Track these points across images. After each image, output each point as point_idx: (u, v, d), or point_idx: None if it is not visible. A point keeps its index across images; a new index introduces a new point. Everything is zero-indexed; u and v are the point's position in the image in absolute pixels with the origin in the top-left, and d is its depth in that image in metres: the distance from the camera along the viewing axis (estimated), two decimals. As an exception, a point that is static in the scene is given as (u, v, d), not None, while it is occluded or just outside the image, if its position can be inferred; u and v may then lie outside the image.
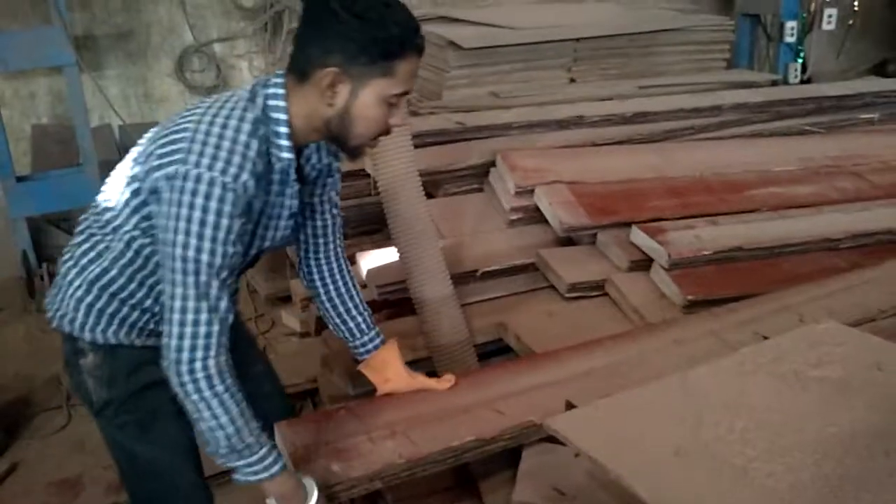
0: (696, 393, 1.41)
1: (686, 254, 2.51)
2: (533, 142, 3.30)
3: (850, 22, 5.75)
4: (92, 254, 1.52)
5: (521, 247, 2.79)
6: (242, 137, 1.35)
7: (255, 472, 1.41)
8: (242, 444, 1.38)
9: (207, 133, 1.34)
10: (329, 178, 1.66)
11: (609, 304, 2.52)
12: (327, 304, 1.78)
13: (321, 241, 1.74)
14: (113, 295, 1.52)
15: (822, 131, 3.66)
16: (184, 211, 1.31)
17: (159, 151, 1.38)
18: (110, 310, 1.53)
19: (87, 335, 1.54)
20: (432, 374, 2.03)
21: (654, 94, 4.04)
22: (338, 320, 1.78)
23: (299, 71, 1.39)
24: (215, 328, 1.35)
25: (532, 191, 2.87)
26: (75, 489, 2.64)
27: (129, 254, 1.49)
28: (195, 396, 1.34)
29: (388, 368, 1.80)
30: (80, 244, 1.55)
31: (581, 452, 1.28)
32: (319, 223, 1.72)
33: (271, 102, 1.40)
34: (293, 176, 1.48)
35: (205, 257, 1.32)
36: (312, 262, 1.76)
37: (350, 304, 1.78)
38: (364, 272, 2.68)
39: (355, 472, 1.58)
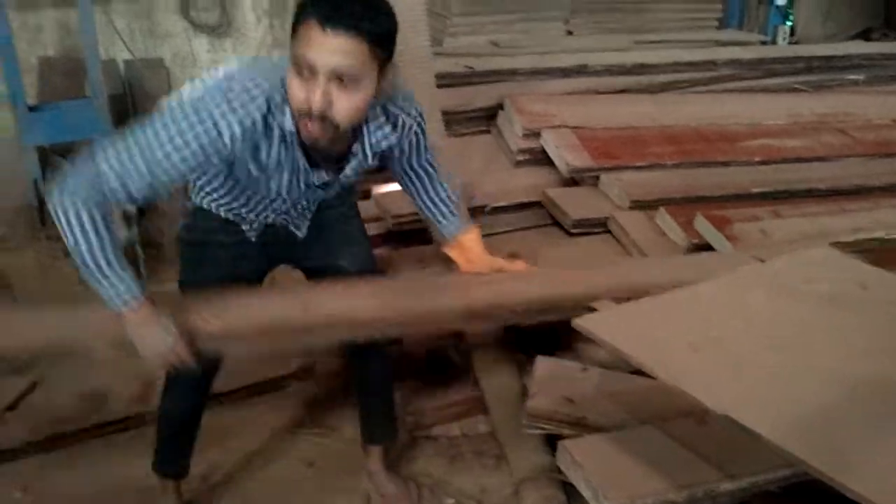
0: (703, 302, 1.60)
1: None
2: (537, 88, 3.44)
3: (838, -12, 5.90)
4: None
5: (528, 186, 2.96)
6: (254, 91, 1.47)
7: (111, 299, 1.53)
8: (96, 268, 1.50)
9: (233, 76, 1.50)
10: (397, 153, 1.82)
11: (611, 240, 2.70)
12: (413, 194, 1.99)
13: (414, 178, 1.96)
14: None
15: (810, 90, 3.84)
16: (169, 105, 1.48)
17: None
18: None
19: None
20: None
21: (648, 50, 4.19)
22: (423, 206, 1.99)
23: None
24: (98, 185, 1.46)
25: (539, 134, 3.03)
26: (100, 400, 2.78)
27: None
28: (60, 218, 1.47)
29: (470, 251, 2.00)
30: None
31: (607, 347, 1.46)
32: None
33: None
34: (295, 145, 1.56)
35: (142, 139, 1.46)
36: (403, 175, 1.96)
37: (434, 195, 1.97)
38: (380, 205, 2.83)
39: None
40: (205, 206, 1.78)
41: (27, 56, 4.41)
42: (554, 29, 4.61)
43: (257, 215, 1.79)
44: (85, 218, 1.46)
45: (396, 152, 1.81)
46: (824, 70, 4.02)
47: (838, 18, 6.17)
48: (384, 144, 1.67)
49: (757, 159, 3.11)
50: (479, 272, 2.00)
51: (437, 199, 1.98)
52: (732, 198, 2.80)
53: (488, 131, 3.26)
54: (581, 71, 3.60)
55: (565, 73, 3.59)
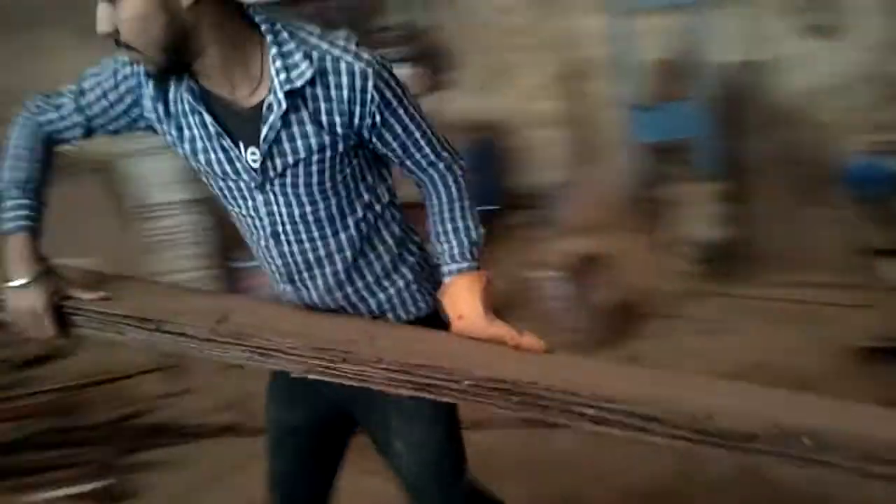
0: None
1: None
2: None
3: None
4: None
5: None
6: None
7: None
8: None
9: None
10: (359, 122, 1.38)
11: None
12: (427, 208, 1.54)
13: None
14: None
15: None
16: None
17: None
18: None
19: None
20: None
21: None
22: (432, 225, 1.53)
23: None
24: (39, 102, 1.50)
25: None
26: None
27: None
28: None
29: (462, 301, 1.44)
30: None
31: None
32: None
33: None
34: (197, 98, 1.38)
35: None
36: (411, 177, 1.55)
37: (447, 215, 1.50)
38: None
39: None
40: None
41: (645, 59, 4.73)
42: None
43: (255, 233, 1.52)
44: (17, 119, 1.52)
45: (357, 120, 1.36)
46: None
47: None
48: (298, 82, 1.31)
49: None
50: (470, 335, 1.42)
51: (448, 224, 1.48)
52: None
53: None
54: None
55: None
